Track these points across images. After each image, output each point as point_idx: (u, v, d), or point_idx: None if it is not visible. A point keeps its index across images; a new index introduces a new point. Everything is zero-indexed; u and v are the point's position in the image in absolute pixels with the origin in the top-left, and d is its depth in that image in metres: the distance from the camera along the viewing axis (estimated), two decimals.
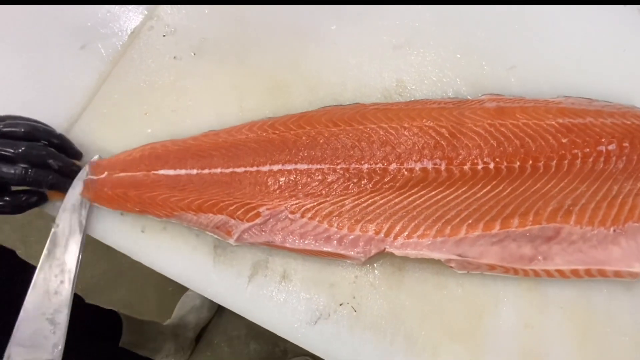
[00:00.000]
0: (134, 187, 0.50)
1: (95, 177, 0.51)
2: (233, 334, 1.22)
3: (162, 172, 0.51)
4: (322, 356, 0.46)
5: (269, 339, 1.20)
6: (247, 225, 0.47)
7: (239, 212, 0.48)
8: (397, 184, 0.47)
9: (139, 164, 0.52)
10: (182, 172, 0.51)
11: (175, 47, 0.59)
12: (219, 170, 0.50)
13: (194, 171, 0.50)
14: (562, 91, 0.52)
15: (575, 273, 0.45)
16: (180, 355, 1.11)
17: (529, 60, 0.55)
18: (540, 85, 0.54)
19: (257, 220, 0.47)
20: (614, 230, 0.45)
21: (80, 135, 0.55)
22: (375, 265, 0.48)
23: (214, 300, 0.49)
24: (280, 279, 0.48)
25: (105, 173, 0.52)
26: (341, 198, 0.47)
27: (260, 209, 0.47)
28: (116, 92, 0.57)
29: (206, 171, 0.50)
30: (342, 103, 0.54)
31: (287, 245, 0.47)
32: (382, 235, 0.46)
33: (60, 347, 0.45)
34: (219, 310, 1.25)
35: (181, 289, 1.22)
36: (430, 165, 0.46)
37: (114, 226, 0.52)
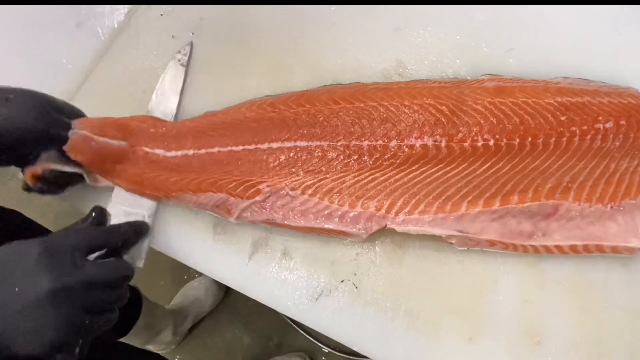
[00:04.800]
0: (133, 164, 0.50)
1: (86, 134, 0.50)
2: (226, 328, 1.22)
3: (158, 151, 0.51)
4: (323, 332, 0.47)
5: (263, 333, 1.20)
6: (247, 202, 0.48)
7: (239, 190, 0.48)
8: (398, 161, 0.48)
9: (137, 134, 0.52)
10: (179, 153, 0.51)
11: (173, 26, 0.60)
12: (216, 149, 0.50)
13: (191, 151, 0.50)
14: (559, 73, 0.54)
15: (573, 249, 0.46)
16: (171, 343, 1.11)
17: (527, 43, 0.57)
18: (538, 67, 0.55)
19: (257, 198, 0.48)
20: (612, 207, 0.46)
21: None
22: (376, 242, 0.49)
23: (214, 278, 0.49)
24: (281, 256, 0.49)
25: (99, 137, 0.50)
26: (341, 175, 0.48)
27: (260, 186, 0.48)
28: (113, 71, 0.58)
29: (203, 151, 0.50)
30: (342, 83, 0.55)
31: (288, 222, 0.48)
32: (383, 211, 0.47)
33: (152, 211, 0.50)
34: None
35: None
36: (430, 142, 0.48)
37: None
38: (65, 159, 0.48)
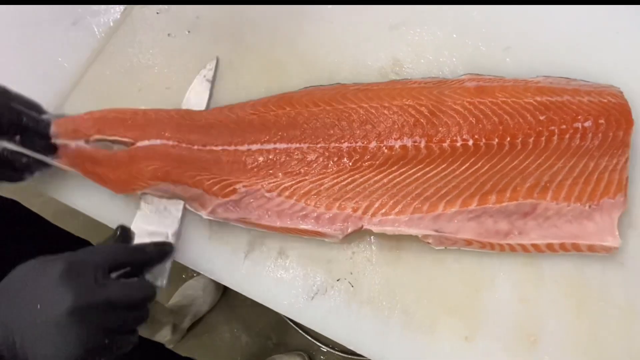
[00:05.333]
0: (106, 164, 0.49)
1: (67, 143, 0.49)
2: (225, 327, 1.22)
3: (139, 144, 0.50)
4: (319, 331, 0.47)
5: (262, 332, 1.20)
6: (222, 200, 0.48)
7: (216, 188, 0.49)
8: (377, 162, 0.48)
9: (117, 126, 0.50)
10: (158, 142, 0.50)
11: (169, 25, 0.60)
12: (195, 147, 0.50)
13: (171, 142, 0.50)
14: (556, 72, 0.54)
15: (550, 247, 0.47)
16: (170, 342, 1.11)
17: (524, 41, 0.57)
18: (534, 65, 0.55)
19: (233, 197, 0.48)
20: (590, 206, 0.47)
21: (71, 113, 0.54)
22: (372, 241, 0.49)
23: (210, 277, 0.49)
24: (277, 255, 0.49)
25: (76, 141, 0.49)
26: (320, 177, 0.49)
27: (237, 186, 0.49)
28: (108, 69, 0.58)
29: (184, 145, 0.50)
30: (339, 82, 0.55)
31: (263, 222, 0.48)
32: (359, 212, 0.48)
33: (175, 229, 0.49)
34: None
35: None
36: (410, 143, 0.48)
37: (107, 203, 0.52)
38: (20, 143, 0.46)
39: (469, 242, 0.47)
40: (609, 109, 0.47)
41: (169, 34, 0.59)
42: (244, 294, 0.49)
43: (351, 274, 0.48)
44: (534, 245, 0.46)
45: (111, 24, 0.60)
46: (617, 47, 0.56)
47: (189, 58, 0.58)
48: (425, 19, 0.58)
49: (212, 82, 0.57)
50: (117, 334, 0.39)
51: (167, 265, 0.47)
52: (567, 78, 0.51)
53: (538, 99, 0.48)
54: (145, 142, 0.50)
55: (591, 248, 0.46)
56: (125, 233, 0.47)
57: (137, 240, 0.48)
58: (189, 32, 0.60)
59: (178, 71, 0.57)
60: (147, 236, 0.48)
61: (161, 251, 0.46)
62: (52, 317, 0.35)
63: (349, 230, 0.47)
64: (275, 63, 0.58)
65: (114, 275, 0.41)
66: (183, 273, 1.26)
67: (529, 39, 0.56)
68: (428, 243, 0.47)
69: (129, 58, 0.58)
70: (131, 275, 0.43)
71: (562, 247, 0.46)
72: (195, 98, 0.56)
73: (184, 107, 0.55)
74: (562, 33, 0.56)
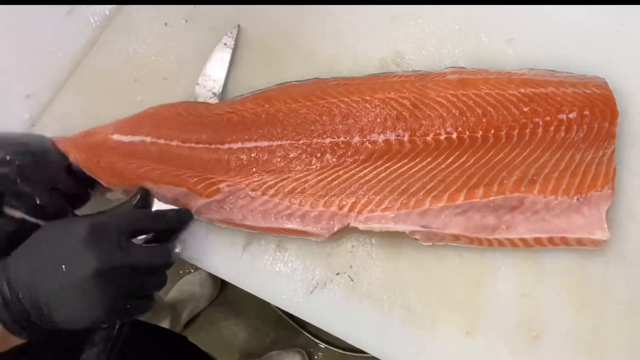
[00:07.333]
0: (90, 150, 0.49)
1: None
2: (222, 324, 1.21)
3: (115, 137, 0.50)
4: (318, 326, 0.47)
5: (259, 329, 1.19)
6: (205, 200, 0.48)
7: (200, 186, 0.48)
8: (361, 157, 0.48)
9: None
10: (137, 138, 0.49)
11: (166, 14, 0.60)
12: (175, 142, 0.50)
13: (148, 139, 0.49)
14: (559, 64, 0.53)
15: (538, 241, 0.47)
16: None
17: (527, 33, 0.56)
18: (537, 57, 0.55)
19: (216, 197, 0.48)
20: (577, 200, 0.46)
21: (65, 104, 0.54)
22: (372, 234, 0.48)
23: (207, 270, 0.49)
24: (276, 248, 0.49)
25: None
26: (304, 174, 0.48)
27: (221, 185, 0.49)
28: (104, 59, 0.57)
29: (162, 141, 0.49)
30: (339, 73, 0.55)
31: (247, 223, 0.48)
32: (345, 210, 0.47)
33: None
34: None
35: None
36: (393, 137, 0.47)
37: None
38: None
39: (456, 238, 0.47)
40: (593, 100, 0.47)
41: (165, 24, 0.59)
42: (242, 288, 0.49)
43: (351, 267, 0.48)
44: (522, 240, 0.46)
45: (107, 13, 0.60)
46: (621, 40, 0.55)
47: (186, 48, 0.58)
48: (427, 10, 0.58)
49: (234, 50, 0.56)
50: (137, 298, 0.40)
51: (183, 232, 0.47)
52: (552, 70, 0.51)
53: (522, 90, 0.47)
54: (123, 138, 0.49)
55: (580, 242, 0.46)
56: (145, 196, 0.47)
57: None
58: (186, 21, 0.59)
59: (175, 61, 0.57)
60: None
61: (181, 219, 0.46)
62: (78, 280, 0.36)
63: (336, 228, 0.47)
64: (274, 54, 0.57)
65: (135, 240, 0.41)
66: (180, 268, 1.25)
67: (531, 31, 0.56)
68: (416, 239, 0.47)
69: (125, 48, 0.58)
70: (151, 241, 0.44)
71: (551, 241, 0.46)
72: (215, 68, 0.55)
73: (200, 79, 0.55)
74: (564, 25, 0.56)
